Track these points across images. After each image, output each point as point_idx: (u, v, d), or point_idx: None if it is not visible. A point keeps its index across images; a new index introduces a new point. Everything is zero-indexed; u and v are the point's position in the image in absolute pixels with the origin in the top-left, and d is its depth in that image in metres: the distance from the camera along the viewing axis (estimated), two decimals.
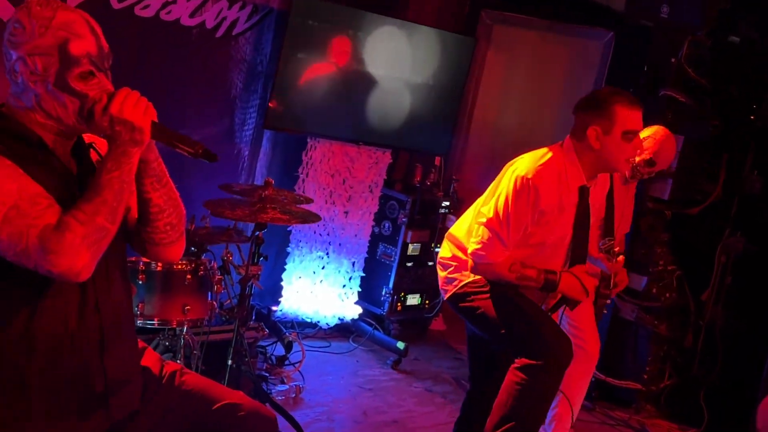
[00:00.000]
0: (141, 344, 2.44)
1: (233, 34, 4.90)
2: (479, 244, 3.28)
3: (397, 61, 5.30)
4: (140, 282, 3.54)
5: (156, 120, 2.11)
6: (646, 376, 5.16)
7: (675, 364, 5.23)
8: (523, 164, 3.31)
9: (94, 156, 2.26)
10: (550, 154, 3.33)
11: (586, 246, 3.50)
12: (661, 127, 4.27)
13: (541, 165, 3.28)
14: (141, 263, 3.57)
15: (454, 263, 3.56)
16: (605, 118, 3.26)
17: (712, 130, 5.03)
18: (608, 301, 4.31)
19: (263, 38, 5.07)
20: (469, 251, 3.32)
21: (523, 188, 3.23)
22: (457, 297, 3.49)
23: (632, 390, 5.17)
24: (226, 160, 5.10)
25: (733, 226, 5.12)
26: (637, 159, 4.09)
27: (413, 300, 5.73)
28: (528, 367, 3.21)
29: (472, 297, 3.41)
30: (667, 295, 5.13)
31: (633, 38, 5.51)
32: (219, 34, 4.82)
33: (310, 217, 3.76)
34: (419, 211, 5.57)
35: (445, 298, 3.59)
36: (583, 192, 3.40)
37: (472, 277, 3.46)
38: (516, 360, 3.24)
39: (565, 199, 3.35)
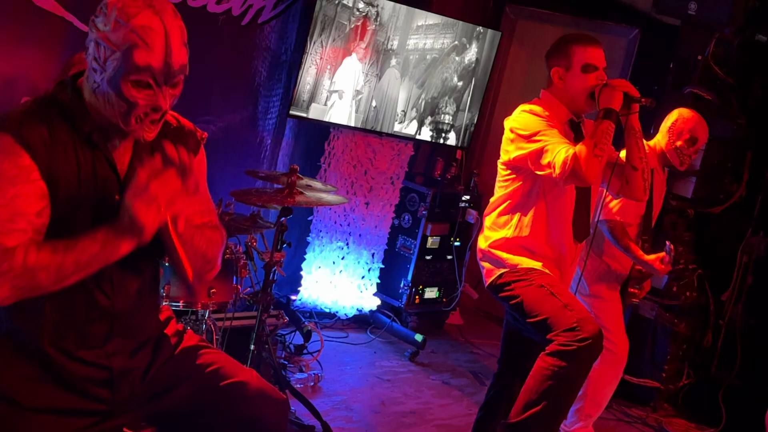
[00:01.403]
0: (166, 314, 2.44)
1: (259, 22, 4.90)
2: (551, 166, 3.26)
3: (423, 53, 5.29)
4: (166, 264, 3.54)
5: (168, 221, 2.04)
6: (664, 375, 5.15)
7: (694, 364, 5.22)
8: (511, 116, 3.49)
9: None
10: (530, 105, 3.46)
11: (589, 195, 3.52)
12: (684, 108, 4.36)
13: (526, 110, 3.43)
14: None
15: (491, 256, 3.56)
16: (564, 57, 3.44)
17: (737, 129, 5.01)
18: (636, 300, 4.32)
19: (288, 27, 5.08)
20: (556, 173, 3.27)
21: None
22: (497, 287, 3.49)
23: (650, 388, 5.16)
24: (248, 147, 5.11)
25: (756, 226, 5.10)
26: (678, 143, 4.18)
27: (431, 293, 5.72)
28: (558, 353, 3.20)
29: (512, 285, 3.42)
30: (688, 293, 5.12)
31: (659, 35, 5.50)
32: (245, 21, 4.83)
33: (338, 200, 3.77)
34: (439, 205, 5.57)
35: (486, 286, 3.61)
36: (575, 126, 3.47)
37: (506, 269, 3.47)
38: (547, 347, 3.23)
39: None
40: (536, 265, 3.43)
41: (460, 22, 5.38)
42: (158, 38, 1.98)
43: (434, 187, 5.56)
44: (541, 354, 3.24)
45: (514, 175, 3.48)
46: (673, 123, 4.26)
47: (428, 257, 5.63)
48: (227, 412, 2.31)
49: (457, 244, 5.72)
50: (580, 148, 3.20)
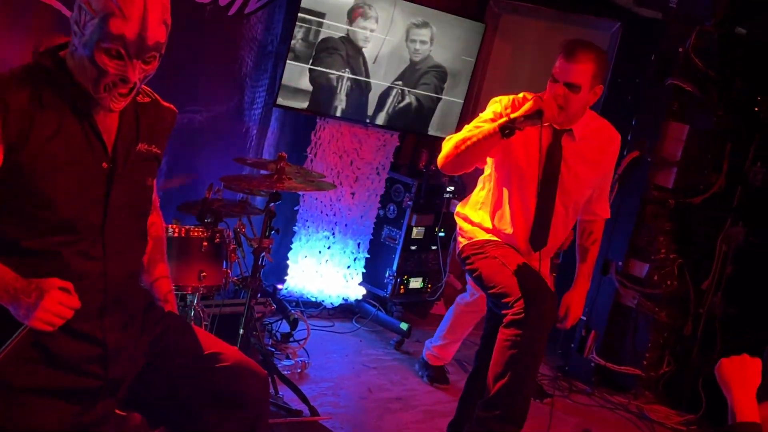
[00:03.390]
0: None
1: (245, 12, 4.92)
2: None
3: (408, 44, 5.34)
4: None
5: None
6: (645, 363, 5.22)
7: (674, 351, 5.30)
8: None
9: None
10: (523, 94, 3.51)
11: (552, 207, 3.57)
12: None
13: (510, 96, 3.53)
14: None
15: (457, 227, 3.76)
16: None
17: (717, 121, 5.09)
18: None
19: (274, 18, 5.10)
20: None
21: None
22: (462, 260, 3.67)
23: (631, 376, 5.23)
24: (234, 137, 5.13)
25: (735, 217, 5.18)
26: None
27: (416, 283, 5.77)
28: (512, 323, 3.30)
29: (471, 258, 3.57)
30: (668, 282, 5.19)
31: (640, 29, 5.57)
32: (231, 12, 4.84)
33: (326, 185, 3.81)
34: (424, 196, 5.61)
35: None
36: (556, 133, 3.50)
37: (467, 241, 3.64)
38: (504, 320, 3.32)
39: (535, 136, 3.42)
40: (490, 235, 3.59)
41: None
42: (136, 10, 2.00)
43: (419, 178, 5.61)
44: (500, 328, 3.33)
45: (490, 161, 3.66)
46: None
47: (413, 248, 5.68)
48: (209, 384, 2.33)
49: (441, 234, 5.77)
50: (457, 136, 3.37)
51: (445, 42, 5.50)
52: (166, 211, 4.77)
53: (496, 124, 3.28)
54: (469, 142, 3.30)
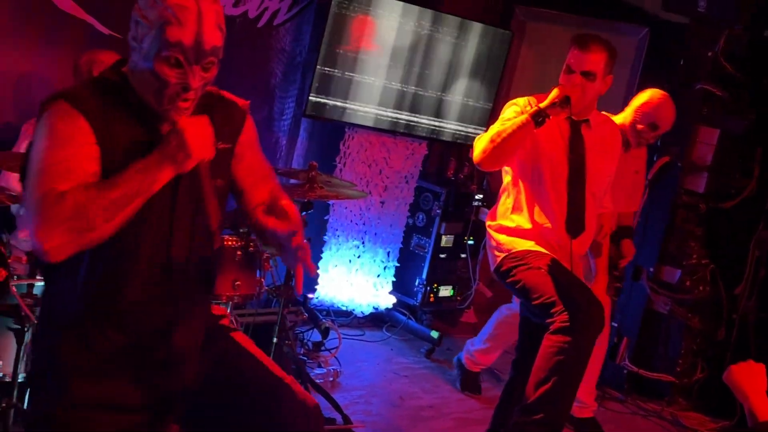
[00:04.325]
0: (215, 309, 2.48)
1: (274, 24, 4.98)
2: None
3: (436, 54, 5.36)
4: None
5: (206, 161, 2.11)
6: (678, 369, 5.19)
7: (707, 357, 5.26)
8: None
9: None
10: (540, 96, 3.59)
11: (583, 193, 3.62)
12: (657, 90, 4.41)
13: (529, 99, 3.60)
14: None
15: (492, 242, 3.72)
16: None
17: (747, 125, 5.06)
18: (616, 273, 4.35)
19: (303, 29, 5.15)
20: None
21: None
22: (501, 274, 3.63)
23: (665, 382, 5.20)
24: (264, 148, 5.10)
25: (767, 221, 5.14)
26: (639, 126, 4.27)
27: (445, 291, 5.77)
28: (560, 330, 3.31)
29: (513, 271, 3.55)
30: (701, 288, 5.17)
31: (668, 34, 5.55)
32: (260, 24, 4.90)
33: (357, 194, 3.84)
34: (453, 204, 5.63)
35: (492, 272, 3.74)
36: (573, 125, 3.59)
37: (505, 254, 3.62)
38: (550, 326, 3.32)
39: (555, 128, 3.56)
40: (529, 244, 3.57)
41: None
42: (191, 16, 2.01)
43: (447, 187, 5.62)
44: (545, 335, 3.33)
45: (507, 167, 3.69)
46: (640, 105, 4.32)
47: (442, 256, 5.68)
48: (260, 418, 2.26)
49: (470, 242, 5.77)
50: (490, 132, 3.42)
51: (472, 50, 5.51)
52: None
53: (526, 114, 3.38)
54: (504, 134, 3.37)
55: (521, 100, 3.58)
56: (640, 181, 4.60)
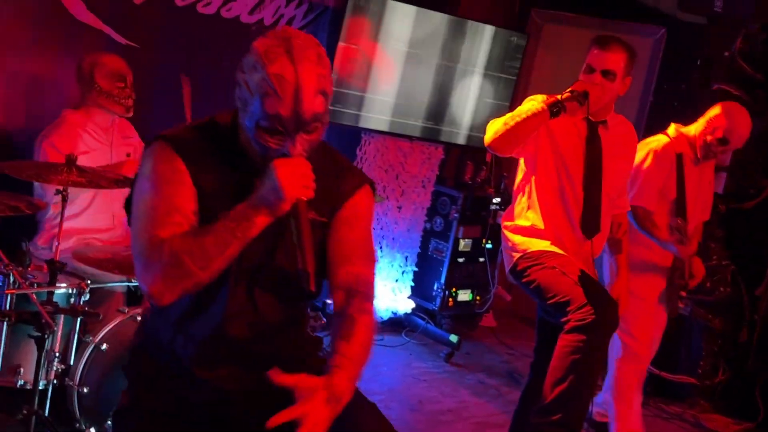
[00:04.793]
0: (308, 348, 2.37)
1: None
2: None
3: (452, 58, 5.37)
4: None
5: (304, 204, 2.00)
6: (700, 371, 5.16)
7: (729, 359, 5.22)
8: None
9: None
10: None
11: (599, 194, 3.60)
12: (734, 103, 4.25)
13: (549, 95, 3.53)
14: None
15: (507, 243, 3.71)
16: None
17: (766, 125, 5.03)
18: (683, 293, 4.27)
19: (318, 36, 5.07)
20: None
21: None
22: (516, 273, 3.62)
23: (686, 384, 5.17)
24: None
25: None
26: (709, 138, 4.10)
27: (464, 296, 5.77)
28: (575, 329, 3.29)
29: (528, 271, 3.54)
30: (722, 289, 5.13)
31: (685, 34, 5.53)
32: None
33: (374, 198, 3.84)
34: (470, 208, 5.63)
35: (507, 273, 3.73)
36: (591, 125, 3.55)
37: (520, 254, 3.61)
38: (564, 326, 3.32)
39: (572, 128, 3.55)
40: (544, 245, 3.56)
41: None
42: (289, 87, 1.95)
43: (465, 191, 5.62)
44: (560, 334, 3.32)
45: (523, 165, 3.69)
46: (714, 117, 4.12)
47: (461, 260, 5.68)
48: None
49: (489, 246, 5.77)
50: (504, 117, 3.39)
51: (488, 53, 5.51)
52: None
53: (543, 103, 3.34)
54: (518, 119, 3.34)
55: (540, 96, 3.52)
56: (711, 191, 4.42)
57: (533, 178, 3.63)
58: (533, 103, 3.43)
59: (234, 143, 2.10)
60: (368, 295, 2.22)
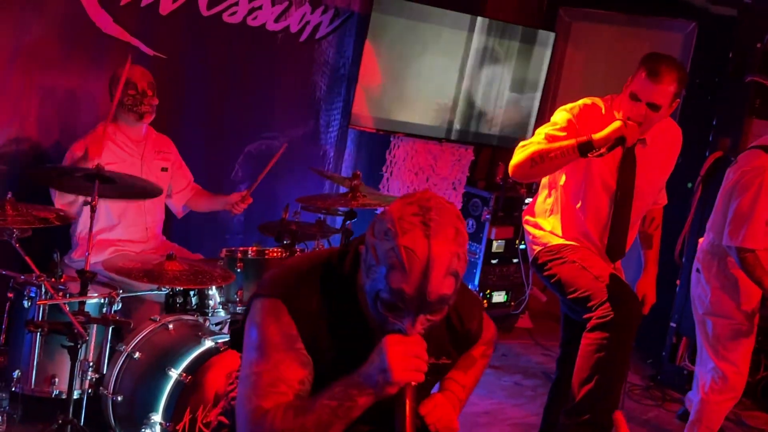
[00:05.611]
0: None
1: (316, 38, 5.02)
2: None
3: (478, 58, 5.35)
4: (238, 270, 3.66)
5: (412, 389, 1.85)
6: None
7: None
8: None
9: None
10: (591, 99, 3.49)
11: (628, 220, 3.51)
12: None
13: (578, 103, 3.45)
14: (239, 252, 3.69)
15: (528, 236, 3.70)
16: (633, 73, 3.34)
17: None
18: None
19: (345, 41, 5.19)
20: None
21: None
22: (538, 267, 3.61)
23: None
24: (312, 161, 5.22)
25: None
26: None
27: (499, 297, 5.74)
28: (597, 326, 3.25)
29: (549, 265, 3.51)
30: None
31: (717, 27, 5.46)
32: (303, 38, 4.95)
33: None
34: (502, 208, 5.60)
35: (530, 265, 3.73)
36: (620, 142, 3.33)
37: (541, 247, 3.59)
38: (587, 325, 3.28)
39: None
40: (564, 240, 3.54)
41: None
42: (418, 264, 1.79)
43: (496, 191, 5.59)
44: (583, 333, 3.28)
45: None
46: None
47: (494, 261, 5.65)
48: None
49: (522, 247, 5.72)
50: (533, 147, 3.27)
51: (516, 53, 5.49)
52: (248, 236, 4.90)
53: (574, 141, 3.22)
54: (546, 157, 3.24)
55: (574, 107, 3.44)
56: None
57: (561, 186, 3.56)
58: (566, 117, 3.35)
59: (351, 301, 1.97)
60: (493, 342, 2.36)
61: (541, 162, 3.26)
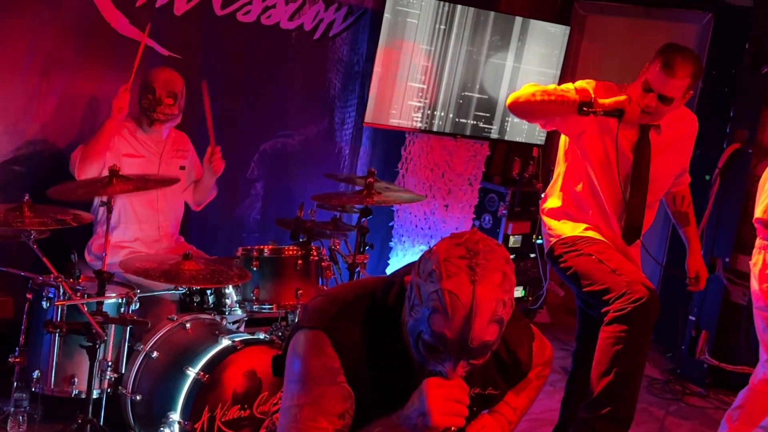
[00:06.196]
0: None
1: (330, 35, 5.03)
2: None
3: (494, 54, 5.34)
4: (254, 268, 3.67)
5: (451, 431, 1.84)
6: None
7: None
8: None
9: None
10: (608, 84, 3.48)
11: (644, 198, 3.51)
12: None
13: (597, 82, 3.45)
14: (254, 250, 3.70)
15: (544, 227, 3.70)
16: (650, 60, 3.34)
17: None
18: None
19: (359, 38, 5.19)
20: None
21: None
22: (552, 259, 3.59)
23: (747, 375, 5.01)
24: (327, 158, 5.23)
25: None
26: None
27: (517, 293, 5.70)
28: (615, 319, 3.22)
29: (564, 257, 3.49)
30: None
31: (732, 18, 5.42)
32: (317, 36, 4.95)
33: (416, 197, 3.85)
34: (519, 203, 5.58)
35: (545, 256, 3.71)
36: (643, 127, 3.44)
37: (556, 239, 3.58)
38: (605, 318, 3.26)
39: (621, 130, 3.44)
40: (579, 229, 3.52)
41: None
42: (461, 310, 1.77)
43: (513, 186, 5.58)
44: (601, 327, 3.26)
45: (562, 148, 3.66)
46: None
47: (511, 256, 5.62)
48: None
49: (539, 241, 5.71)
50: (539, 87, 3.34)
51: (531, 48, 5.47)
52: (264, 235, 4.92)
53: (577, 96, 3.29)
54: (546, 97, 3.31)
55: (594, 83, 3.44)
56: None
57: (571, 171, 3.59)
58: (569, 89, 3.38)
59: (394, 335, 1.94)
60: (549, 363, 2.38)
61: (539, 99, 3.32)
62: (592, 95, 3.33)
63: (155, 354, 3.34)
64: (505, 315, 1.83)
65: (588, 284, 3.35)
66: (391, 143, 5.42)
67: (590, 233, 3.51)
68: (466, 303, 1.76)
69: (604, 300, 3.26)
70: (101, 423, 3.26)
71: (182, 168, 4.12)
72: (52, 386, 3.32)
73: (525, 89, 3.38)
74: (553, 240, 3.59)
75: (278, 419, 1.94)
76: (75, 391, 3.32)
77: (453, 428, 1.82)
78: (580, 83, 3.44)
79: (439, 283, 1.78)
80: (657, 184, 3.57)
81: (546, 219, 3.69)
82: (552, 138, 6.04)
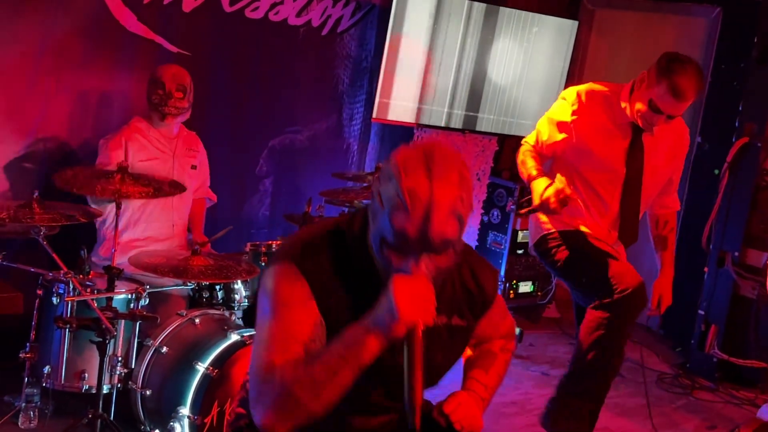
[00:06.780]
0: None
1: (338, 31, 5.03)
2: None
3: (503, 49, 5.34)
4: (263, 264, 3.69)
5: (422, 332, 1.83)
6: None
7: None
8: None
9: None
10: (593, 86, 3.61)
11: (638, 199, 3.57)
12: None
13: (580, 89, 3.58)
14: (263, 246, 3.72)
15: (532, 218, 3.77)
16: (656, 74, 3.34)
17: None
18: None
19: (367, 34, 5.19)
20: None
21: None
22: (540, 253, 3.67)
23: (757, 369, 5.03)
24: (336, 154, 5.24)
25: None
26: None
27: (525, 287, 5.73)
28: (600, 306, 3.35)
29: (553, 250, 3.57)
30: None
31: (742, 12, 5.40)
32: (324, 32, 4.96)
33: None
34: (527, 198, 5.57)
35: (531, 249, 3.78)
36: (636, 129, 3.50)
37: (544, 232, 3.64)
38: (591, 304, 3.35)
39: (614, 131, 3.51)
40: (570, 224, 3.58)
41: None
42: (420, 205, 1.79)
43: (521, 182, 5.56)
44: (587, 309, 3.35)
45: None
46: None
47: (520, 252, 5.64)
48: None
49: None
50: (531, 164, 3.53)
51: (539, 43, 5.46)
52: (273, 230, 4.93)
53: (535, 175, 3.51)
54: (521, 168, 3.60)
55: (572, 94, 3.56)
56: None
57: (565, 171, 3.64)
58: (563, 106, 3.55)
59: (363, 259, 1.95)
60: (512, 336, 2.38)
61: (520, 169, 3.60)
62: (572, 109, 3.49)
63: (165, 349, 3.36)
64: (464, 212, 1.84)
65: (576, 277, 3.43)
66: (399, 139, 5.42)
67: (582, 228, 3.57)
68: (424, 197, 1.79)
69: (592, 292, 3.34)
70: (111, 418, 3.28)
71: (194, 167, 4.13)
72: (62, 381, 3.34)
73: (519, 155, 3.64)
74: (542, 233, 3.64)
75: (251, 358, 1.94)
76: (85, 386, 3.35)
77: (421, 326, 1.83)
78: (559, 103, 3.56)
79: (398, 182, 1.81)
80: (647, 187, 3.61)
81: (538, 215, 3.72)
82: None
